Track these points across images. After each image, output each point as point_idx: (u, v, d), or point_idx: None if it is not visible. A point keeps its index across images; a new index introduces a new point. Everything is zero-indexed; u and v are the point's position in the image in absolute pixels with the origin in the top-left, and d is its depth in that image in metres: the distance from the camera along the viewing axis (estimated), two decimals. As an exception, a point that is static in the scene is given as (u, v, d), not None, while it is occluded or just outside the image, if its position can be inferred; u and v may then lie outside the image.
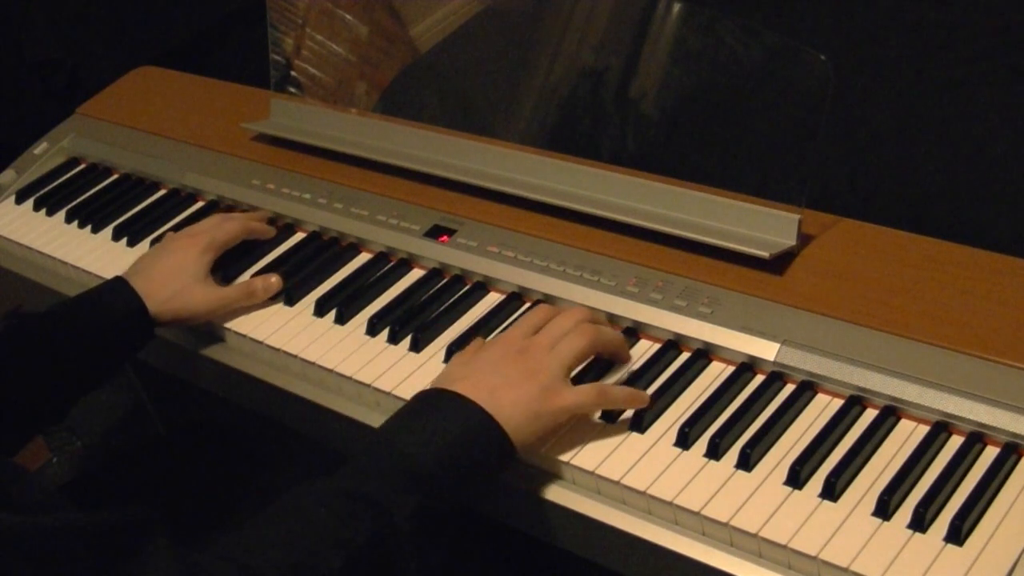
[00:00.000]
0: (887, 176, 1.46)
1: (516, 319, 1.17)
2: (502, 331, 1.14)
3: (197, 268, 1.25)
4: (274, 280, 1.28)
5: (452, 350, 1.14)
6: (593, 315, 1.10)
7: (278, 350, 1.21)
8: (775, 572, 0.90)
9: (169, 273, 1.24)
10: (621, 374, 1.09)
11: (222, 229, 1.31)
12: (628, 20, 1.29)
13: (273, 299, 1.28)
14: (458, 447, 0.95)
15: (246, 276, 1.32)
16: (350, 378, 1.15)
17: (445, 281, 1.25)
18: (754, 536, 0.91)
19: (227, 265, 1.33)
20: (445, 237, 1.28)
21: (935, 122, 1.44)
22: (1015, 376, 0.96)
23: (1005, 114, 1.39)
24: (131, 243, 1.45)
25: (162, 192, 1.54)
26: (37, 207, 1.57)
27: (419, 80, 1.53)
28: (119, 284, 1.23)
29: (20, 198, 1.60)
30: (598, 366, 1.09)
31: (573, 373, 1.05)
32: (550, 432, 1.01)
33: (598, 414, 1.05)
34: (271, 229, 1.38)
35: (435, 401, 0.99)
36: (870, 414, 1.00)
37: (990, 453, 0.94)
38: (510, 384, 0.99)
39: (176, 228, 1.44)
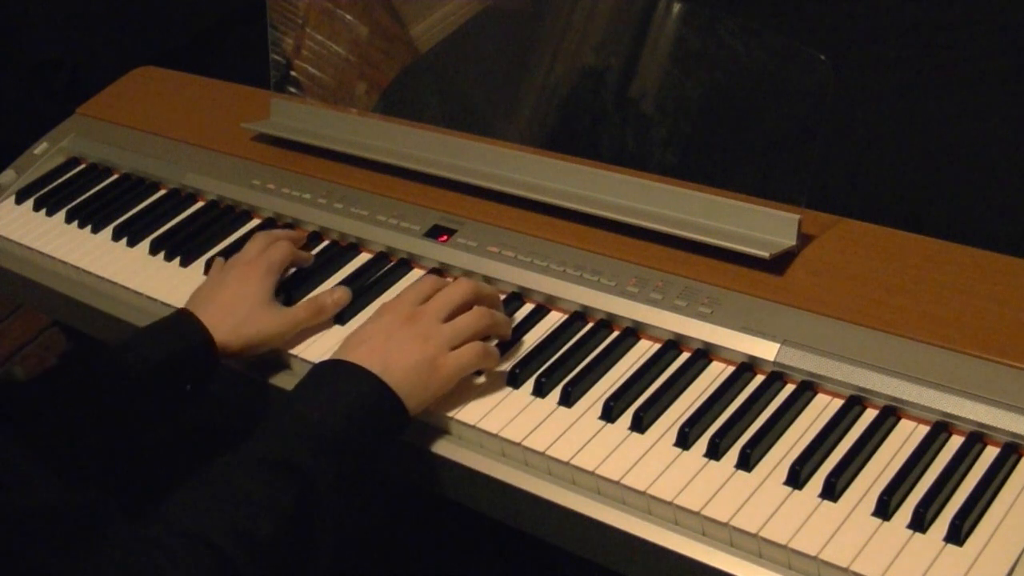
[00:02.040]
0: (887, 176, 1.46)
1: (516, 319, 1.17)
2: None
3: (262, 293, 1.20)
4: (341, 294, 1.22)
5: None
6: (481, 288, 1.14)
7: (278, 350, 1.21)
8: (775, 572, 0.90)
9: (232, 302, 1.19)
10: (621, 375, 1.09)
11: (275, 251, 1.25)
12: (628, 20, 1.29)
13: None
14: (359, 412, 1.00)
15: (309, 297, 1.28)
16: (350, 378, 1.15)
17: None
18: (754, 536, 0.91)
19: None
20: (445, 237, 1.28)
21: (935, 122, 1.44)
22: (1015, 376, 0.96)
23: (1005, 114, 1.39)
24: (131, 243, 1.45)
25: (162, 192, 1.54)
26: (37, 207, 1.57)
27: (419, 80, 1.53)
28: (184, 317, 1.18)
29: (20, 198, 1.60)
30: (595, 369, 1.09)
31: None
32: (439, 396, 1.07)
33: (598, 414, 1.05)
34: (309, 255, 1.32)
35: (334, 370, 1.04)
36: (870, 414, 1.00)
37: (990, 453, 0.94)
38: (402, 352, 1.05)
39: (176, 228, 1.44)
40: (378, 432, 1.02)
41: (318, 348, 1.19)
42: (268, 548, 0.91)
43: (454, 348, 1.08)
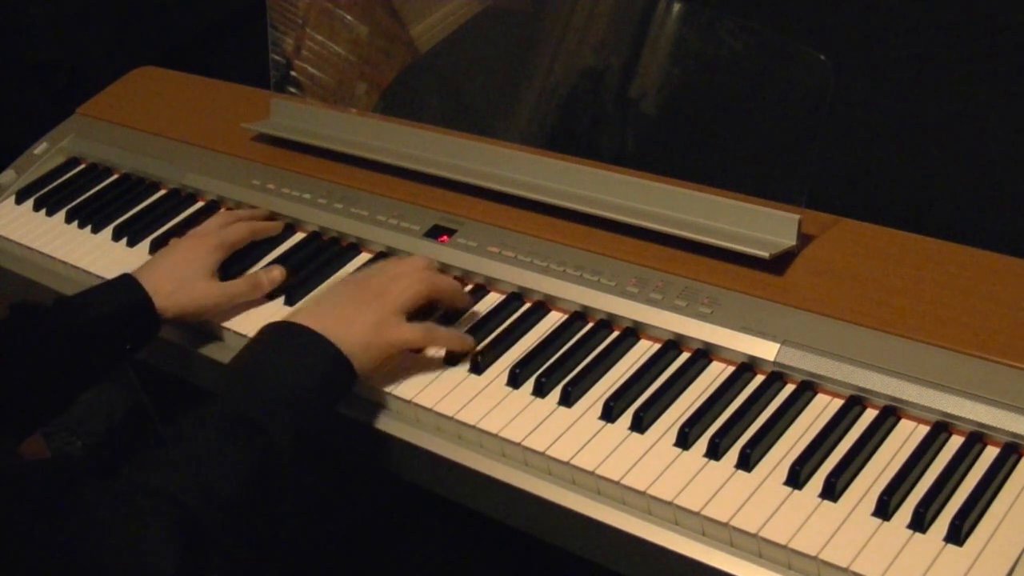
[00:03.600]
0: (887, 176, 1.46)
1: (516, 319, 1.17)
2: (487, 329, 1.17)
3: (204, 265, 1.26)
4: (277, 273, 1.29)
5: (452, 350, 1.14)
6: (432, 262, 1.19)
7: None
8: (775, 572, 0.90)
9: (175, 269, 1.25)
10: (621, 375, 1.09)
11: (231, 230, 1.32)
12: (628, 20, 1.29)
13: (272, 299, 1.28)
14: (311, 371, 1.05)
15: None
16: (350, 378, 1.15)
17: (445, 281, 1.25)
18: (754, 536, 0.91)
19: (228, 265, 1.33)
20: (445, 237, 1.28)
21: (935, 122, 1.44)
22: (1015, 376, 0.96)
23: (1005, 114, 1.39)
24: (131, 243, 1.45)
25: (162, 192, 1.54)
26: (37, 207, 1.57)
27: (419, 80, 1.53)
28: (126, 279, 1.24)
29: (20, 198, 1.60)
30: (581, 365, 1.09)
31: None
32: (384, 360, 1.10)
33: (598, 414, 1.05)
34: (277, 224, 1.39)
35: (284, 333, 1.08)
36: (870, 414, 1.00)
37: (990, 453, 0.94)
38: (347, 315, 1.09)
39: (176, 228, 1.44)
40: (329, 391, 1.06)
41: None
42: (232, 503, 0.94)
43: (401, 313, 1.11)
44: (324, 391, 1.05)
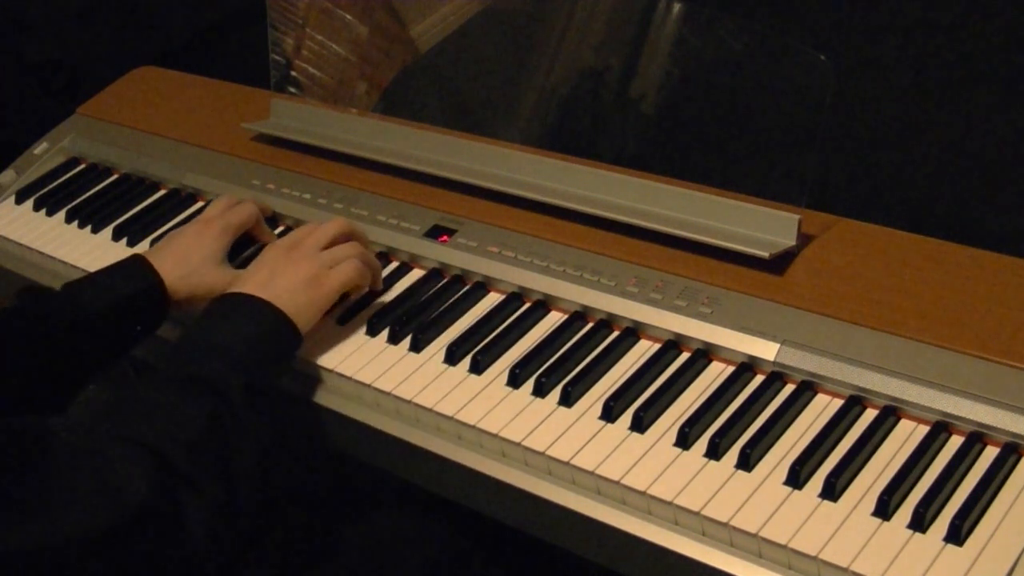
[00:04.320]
0: (887, 176, 1.46)
1: (516, 319, 1.17)
2: (487, 329, 1.18)
3: (213, 249, 1.27)
4: None
5: (452, 350, 1.14)
6: (354, 226, 1.26)
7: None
8: (775, 572, 0.90)
9: (186, 252, 1.26)
10: (619, 374, 1.09)
11: (236, 212, 1.32)
12: (628, 20, 1.29)
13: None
14: (258, 333, 1.11)
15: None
16: (350, 378, 1.15)
17: (445, 281, 1.25)
18: (754, 536, 0.91)
19: (232, 259, 1.32)
20: (445, 237, 1.28)
21: (935, 122, 1.44)
22: (1015, 376, 0.96)
23: (1005, 114, 1.39)
24: (131, 243, 1.45)
25: (162, 192, 1.54)
26: (37, 207, 1.57)
27: (419, 80, 1.53)
28: (137, 261, 1.24)
29: (20, 198, 1.60)
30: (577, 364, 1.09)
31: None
32: (324, 311, 1.17)
33: (598, 414, 1.05)
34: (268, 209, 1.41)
35: (231, 303, 1.14)
36: (870, 414, 1.00)
37: (990, 453, 0.94)
38: (285, 276, 1.16)
39: (177, 228, 1.44)
40: (276, 350, 1.13)
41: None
42: (197, 445, 0.99)
43: (333, 268, 1.18)
44: (268, 349, 1.11)
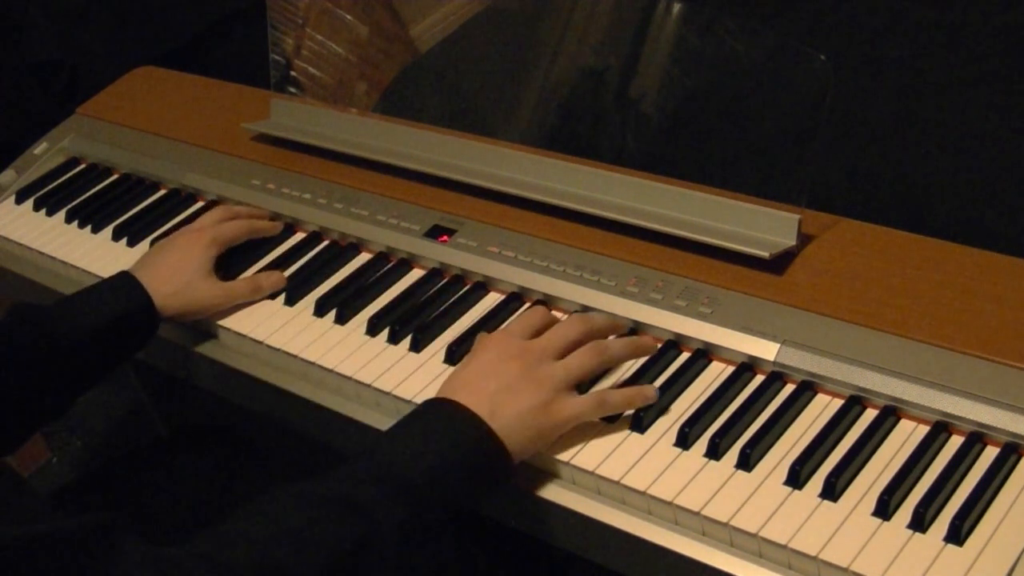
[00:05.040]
0: (887, 176, 1.47)
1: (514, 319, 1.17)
2: (487, 329, 1.14)
3: (202, 263, 1.26)
4: (277, 277, 1.29)
5: (452, 350, 1.14)
6: (594, 321, 1.08)
7: (278, 350, 1.21)
8: (775, 572, 0.90)
9: (175, 267, 1.25)
10: (620, 374, 1.09)
11: (228, 226, 1.32)
12: (628, 20, 1.29)
13: (273, 299, 1.28)
14: (451, 461, 0.92)
15: (248, 274, 1.32)
16: (350, 378, 1.15)
17: (445, 281, 1.25)
18: (754, 536, 0.91)
19: (229, 264, 1.33)
20: (445, 237, 1.28)
21: (935, 122, 1.44)
22: (1015, 376, 0.96)
23: (1005, 114, 1.39)
24: (131, 243, 1.45)
25: (162, 192, 1.54)
26: (37, 207, 1.57)
27: (419, 80, 1.53)
28: (125, 278, 1.24)
29: (20, 198, 1.60)
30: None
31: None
32: (549, 444, 1.00)
33: (598, 414, 1.05)
34: (277, 225, 1.38)
35: (434, 411, 0.97)
36: (870, 414, 1.00)
37: (990, 453, 0.94)
38: (512, 392, 0.97)
39: (176, 228, 1.44)
40: (475, 481, 0.94)
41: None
42: None
43: (569, 390, 1.00)
44: (464, 479, 0.92)
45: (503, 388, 0.97)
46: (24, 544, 0.77)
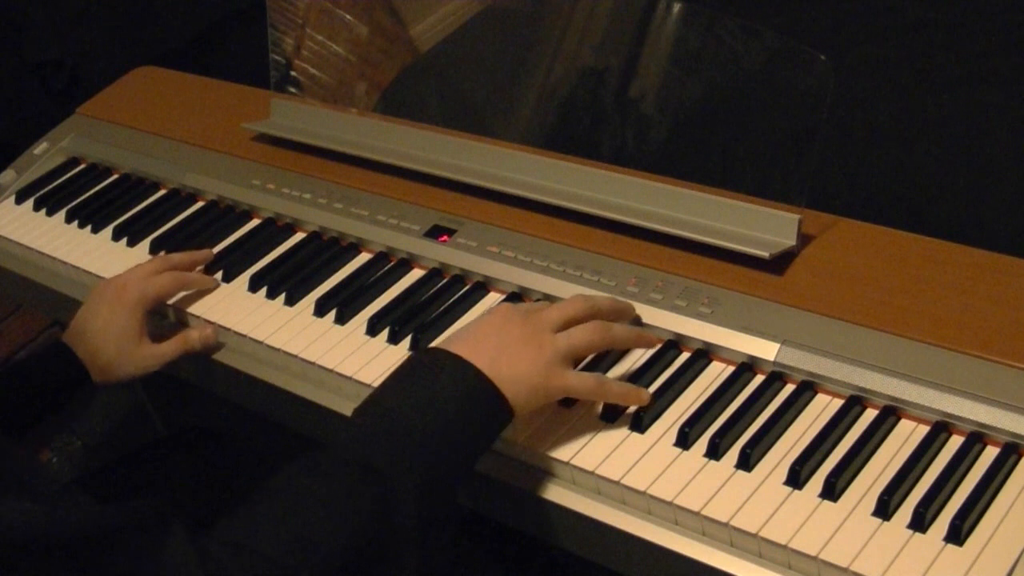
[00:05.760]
0: (887, 176, 1.47)
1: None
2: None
3: (128, 328, 1.23)
4: (210, 331, 1.25)
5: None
6: (598, 302, 1.07)
7: (278, 350, 1.21)
8: (775, 572, 0.90)
9: (104, 337, 1.22)
10: (619, 373, 1.09)
11: (154, 283, 1.26)
12: (628, 20, 1.29)
13: (273, 299, 1.28)
14: (459, 412, 0.91)
15: (245, 276, 1.32)
16: (350, 378, 1.15)
17: (445, 281, 1.25)
18: (754, 536, 0.91)
19: (228, 266, 1.33)
20: (445, 237, 1.28)
21: (935, 122, 1.44)
22: (1015, 376, 0.96)
23: (1005, 114, 1.39)
24: (131, 243, 1.45)
25: (162, 192, 1.54)
26: (37, 207, 1.57)
27: (419, 80, 1.53)
28: (61, 351, 1.23)
29: (20, 198, 1.60)
30: (607, 358, 1.09)
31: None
32: (541, 407, 1.00)
33: (599, 412, 1.05)
34: (208, 279, 1.32)
35: (433, 362, 0.95)
36: (870, 414, 1.00)
37: (990, 453, 0.94)
38: (513, 350, 0.96)
39: (176, 228, 1.45)
40: (478, 433, 0.93)
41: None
42: (336, 559, 0.84)
43: (570, 360, 1.00)
44: (470, 430, 0.92)
45: (503, 346, 0.96)
46: (79, 524, 0.78)
